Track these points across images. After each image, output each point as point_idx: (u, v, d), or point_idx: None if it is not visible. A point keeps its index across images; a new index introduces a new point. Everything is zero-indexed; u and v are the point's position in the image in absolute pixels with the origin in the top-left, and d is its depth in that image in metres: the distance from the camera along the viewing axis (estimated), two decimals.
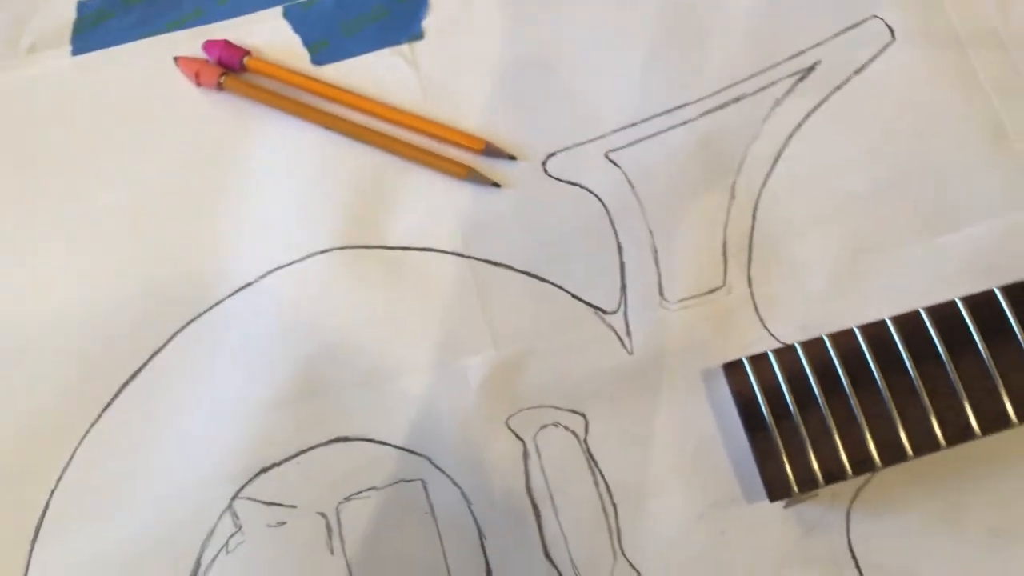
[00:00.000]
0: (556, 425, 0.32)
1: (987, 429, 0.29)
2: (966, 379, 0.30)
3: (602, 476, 0.31)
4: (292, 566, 0.30)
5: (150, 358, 0.32)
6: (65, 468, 0.31)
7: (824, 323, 0.31)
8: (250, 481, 0.31)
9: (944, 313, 0.30)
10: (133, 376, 0.32)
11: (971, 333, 0.30)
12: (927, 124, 0.34)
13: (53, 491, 0.31)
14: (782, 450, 0.29)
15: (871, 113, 0.34)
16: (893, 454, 0.29)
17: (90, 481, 0.31)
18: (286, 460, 0.31)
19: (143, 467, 0.31)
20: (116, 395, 0.32)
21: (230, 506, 0.30)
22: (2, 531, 0.30)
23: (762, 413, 0.30)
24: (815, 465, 0.29)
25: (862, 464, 0.29)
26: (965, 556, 0.30)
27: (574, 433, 0.32)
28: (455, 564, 0.30)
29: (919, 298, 0.30)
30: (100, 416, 0.32)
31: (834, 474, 0.29)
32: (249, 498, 0.30)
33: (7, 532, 0.30)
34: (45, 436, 0.31)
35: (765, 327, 0.32)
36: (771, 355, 0.30)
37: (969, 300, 0.30)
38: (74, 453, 0.31)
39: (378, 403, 0.31)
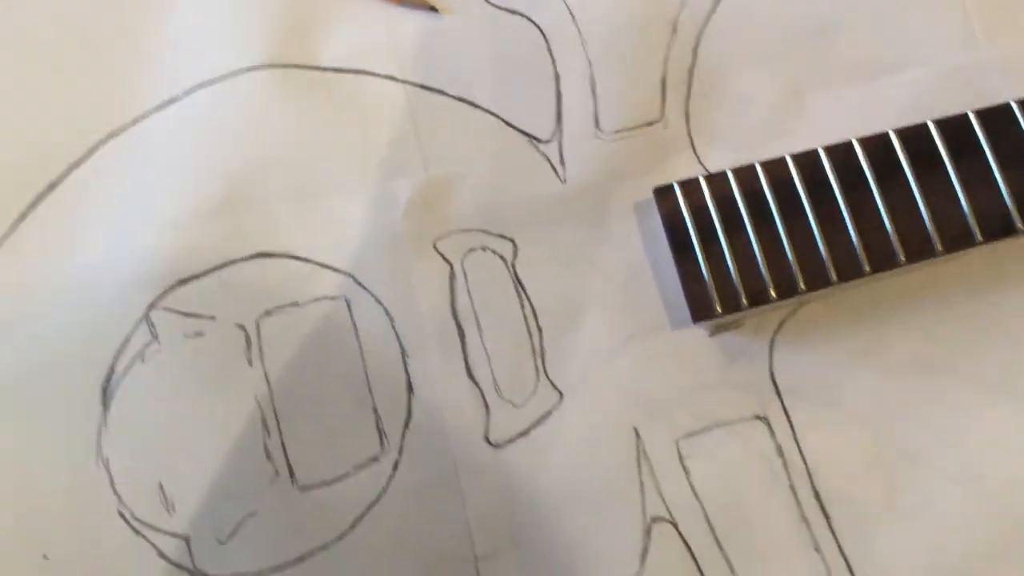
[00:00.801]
0: (484, 249, 0.31)
1: (912, 257, 0.29)
2: (894, 208, 0.29)
3: (528, 300, 0.31)
4: (209, 376, 0.29)
5: (69, 170, 0.31)
6: None
7: (758, 159, 0.31)
8: (168, 292, 0.30)
9: (876, 144, 0.30)
10: (51, 187, 0.31)
11: (901, 164, 0.30)
12: None
13: None
14: (707, 271, 0.29)
15: None
16: (817, 279, 0.29)
17: (3, 286, 0.30)
18: (206, 272, 0.30)
19: (57, 275, 0.30)
20: (32, 205, 0.31)
21: (146, 315, 0.30)
22: None
23: (690, 236, 0.30)
24: (739, 287, 0.29)
25: (786, 288, 0.29)
26: (887, 387, 0.30)
27: (502, 258, 0.31)
28: (376, 381, 0.30)
29: (856, 133, 0.31)
30: (15, 226, 0.31)
31: (758, 297, 0.29)
32: (166, 308, 0.30)
33: None
34: None
35: (700, 162, 0.32)
36: (702, 180, 0.30)
37: (901, 132, 0.30)
38: None
39: (303, 220, 0.30)
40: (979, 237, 0.29)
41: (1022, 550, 0.28)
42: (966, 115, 0.30)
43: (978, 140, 0.30)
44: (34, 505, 0.28)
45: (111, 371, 0.30)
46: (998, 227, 0.29)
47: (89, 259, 0.30)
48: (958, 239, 0.29)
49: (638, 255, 0.31)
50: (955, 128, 0.30)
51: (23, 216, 0.31)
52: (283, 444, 0.29)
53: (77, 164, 0.31)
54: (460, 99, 0.32)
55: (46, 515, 0.28)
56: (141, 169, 0.31)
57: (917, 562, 0.29)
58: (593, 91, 0.32)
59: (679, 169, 0.31)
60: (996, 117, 0.30)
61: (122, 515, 0.29)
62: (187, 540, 0.28)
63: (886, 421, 0.30)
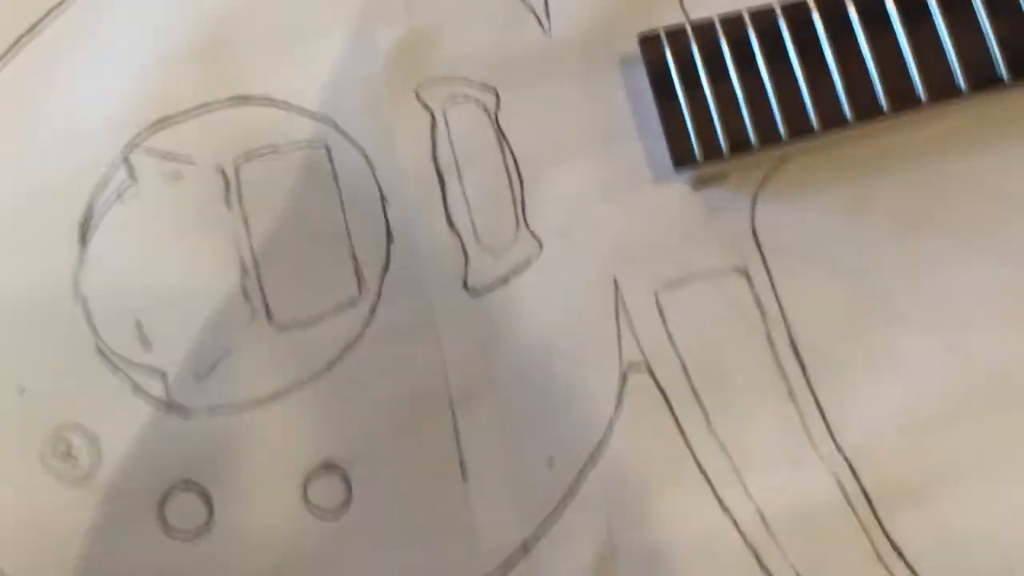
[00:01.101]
0: (466, 99, 0.31)
1: (896, 106, 0.29)
2: (880, 57, 0.29)
3: (510, 149, 0.30)
4: (187, 217, 0.29)
5: (48, 14, 0.31)
6: None
7: (745, 6, 0.30)
8: (146, 134, 0.30)
9: None
10: (31, 31, 0.30)
11: (887, 12, 0.30)
12: None
13: None
14: (690, 118, 0.29)
15: None
16: (800, 127, 0.29)
17: None
18: (184, 115, 0.30)
19: (36, 117, 0.30)
20: (12, 49, 0.31)
21: (124, 156, 0.30)
22: None
23: (673, 84, 0.29)
24: (721, 135, 0.29)
25: (768, 136, 0.29)
26: (868, 243, 0.30)
27: (484, 107, 0.31)
28: (355, 228, 0.29)
29: None
30: None
31: (739, 145, 0.29)
32: (144, 149, 0.30)
33: None
34: None
35: (684, 10, 0.31)
36: (688, 28, 0.30)
37: None
38: None
39: (283, 65, 0.30)
40: (965, 87, 0.29)
41: (995, 406, 0.29)
42: None
43: None
44: (11, 339, 0.29)
45: (89, 210, 0.29)
46: (985, 77, 0.29)
47: (67, 102, 0.30)
48: (944, 88, 0.29)
49: (622, 107, 0.30)
50: None
51: (1, 60, 0.31)
52: (261, 285, 0.29)
53: (56, 9, 0.31)
54: None
55: (23, 349, 0.29)
56: (118, 14, 0.30)
57: (890, 414, 0.29)
58: None
59: (664, 18, 0.30)
60: None
61: (99, 350, 0.29)
62: (164, 375, 0.28)
63: (866, 277, 0.30)
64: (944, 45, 0.29)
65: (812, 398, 0.29)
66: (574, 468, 0.28)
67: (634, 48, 0.30)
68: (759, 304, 0.30)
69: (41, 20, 0.31)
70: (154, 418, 0.28)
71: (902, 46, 0.29)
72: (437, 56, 0.30)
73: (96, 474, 0.28)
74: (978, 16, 0.29)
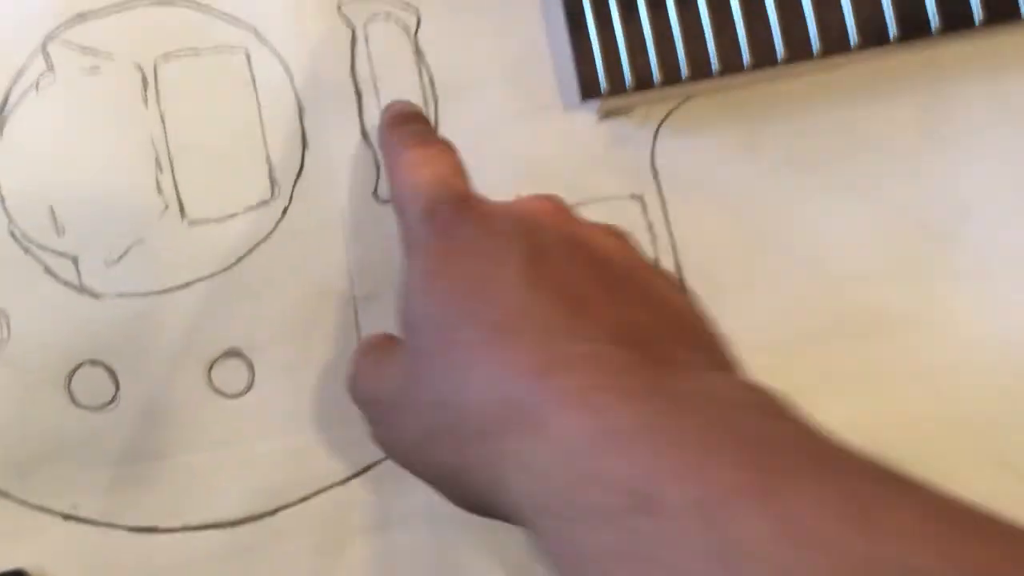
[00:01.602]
0: (388, 16, 0.32)
1: (792, 56, 0.31)
2: (781, 9, 0.31)
3: (427, 70, 0.32)
4: (103, 111, 0.30)
5: None
6: None
7: None
8: (66, 26, 0.30)
9: None
10: None
11: None
12: None
13: None
14: (599, 52, 0.31)
15: None
16: (701, 69, 0.31)
17: None
18: (105, 11, 0.30)
19: None
20: None
21: (42, 47, 0.30)
22: None
23: (586, 18, 0.31)
24: (628, 70, 0.31)
25: (671, 75, 0.31)
26: (756, 180, 0.32)
27: (405, 26, 0.32)
28: (271, 132, 0.30)
29: None
30: None
31: (643, 81, 0.31)
32: (63, 41, 0.30)
33: None
34: None
35: None
36: None
37: None
38: None
39: None
40: (856, 42, 0.31)
41: (848, 333, 0.31)
42: None
43: None
44: None
45: (5, 99, 0.30)
46: (875, 34, 0.31)
47: None
48: (837, 42, 0.31)
49: (538, 37, 0.32)
50: None
51: None
52: (175, 181, 0.30)
53: None
54: None
55: None
56: None
57: (758, 332, 0.31)
58: None
59: None
60: None
61: (12, 233, 0.29)
62: (75, 260, 0.29)
63: (750, 209, 0.32)
64: (842, 2, 0.31)
65: None
66: None
67: None
68: (651, 228, 0.32)
69: None
70: (64, 299, 0.29)
71: (803, 0, 0.31)
72: None
73: (6, 349, 0.29)
74: None
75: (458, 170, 0.27)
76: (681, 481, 0.15)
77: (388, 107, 0.30)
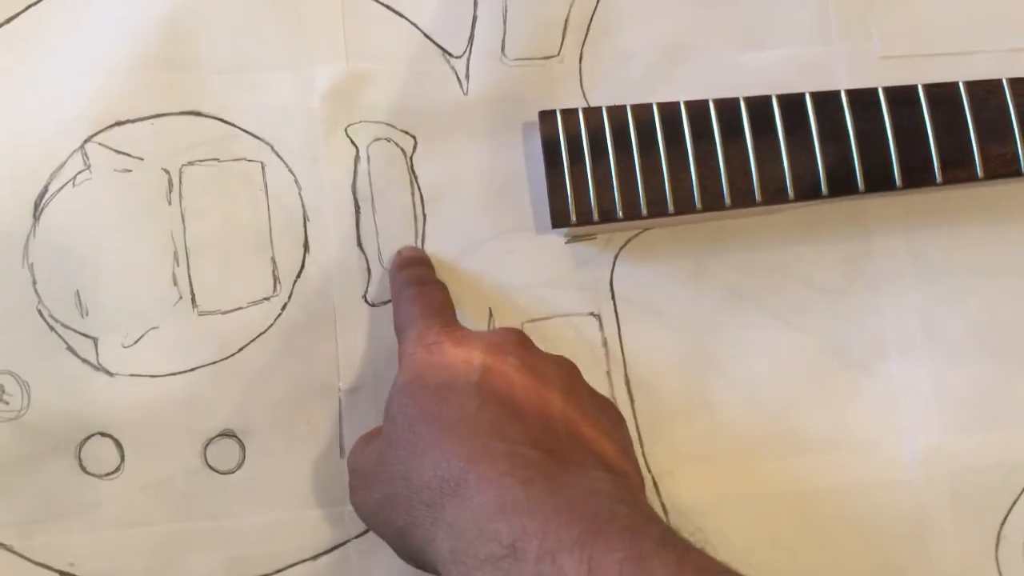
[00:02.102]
0: (388, 140, 0.36)
1: (736, 203, 0.35)
2: (729, 160, 0.35)
3: (419, 189, 0.36)
4: (130, 208, 0.34)
5: (27, 7, 0.35)
6: None
7: (630, 103, 0.36)
8: (104, 130, 0.34)
9: (727, 106, 0.36)
10: (9, 20, 0.34)
11: (744, 127, 0.36)
12: None
13: None
14: (570, 187, 0.35)
15: None
16: (658, 207, 0.35)
17: None
18: (140, 120, 0.34)
19: (5, 100, 0.33)
20: None
21: (82, 146, 0.34)
22: None
23: (562, 156, 0.35)
24: (594, 204, 0.35)
25: (632, 211, 0.35)
26: (702, 306, 0.36)
27: (402, 150, 0.36)
28: (278, 236, 0.34)
29: (717, 95, 0.36)
30: None
31: (607, 215, 0.35)
32: (101, 143, 0.34)
33: None
34: None
35: (584, 97, 0.37)
36: (580, 111, 0.35)
37: (749, 100, 0.36)
38: None
39: (234, 88, 0.35)
40: (792, 195, 0.36)
41: (772, 451, 0.35)
42: (803, 95, 0.36)
43: (808, 116, 0.36)
44: None
45: (45, 189, 0.34)
46: (809, 190, 0.36)
47: (35, 90, 0.34)
48: (776, 194, 0.35)
49: (518, 167, 0.36)
50: (793, 104, 0.36)
51: None
52: (189, 275, 0.34)
53: (35, 6, 0.34)
54: (388, 7, 0.36)
55: None
56: (89, 18, 0.34)
57: (696, 444, 0.35)
58: (504, 19, 0.37)
59: (565, 100, 0.36)
60: (827, 101, 0.36)
61: (40, 312, 0.33)
62: (95, 341, 0.33)
63: (695, 333, 0.36)
64: (782, 159, 0.36)
65: (634, 426, 0.35)
66: None
67: (534, 116, 0.35)
68: (605, 344, 0.36)
69: (17, 14, 0.34)
70: (81, 375, 0.33)
71: (749, 153, 0.36)
72: (367, 99, 0.35)
73: (25, 416, 0.32)
74: (812, 140, 0.36)
75: (447, 305, 0.33)
76: (539, 539, 0.23)
77: (400, 251, 0.35)
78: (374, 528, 0.30)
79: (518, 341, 0.31)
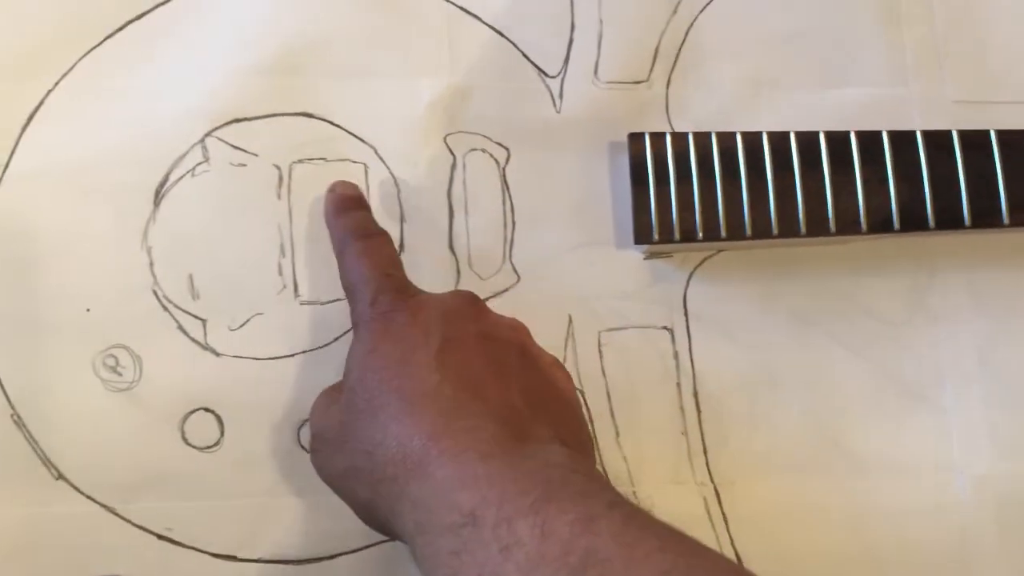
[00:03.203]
0: (483, 151, 0.38)
1: (811, 232, 0.37)
2: (807, 191, 0.37)
3: (510, 199, 0.38)
4: (244, 199, 0.36)
5: (156, 6, 0.37)
6: (64, 75, 0.36)
7: (714, 130, 0.37)
8: (223, 125, 0.36)
9: (807, 139, 0.38)
10: (139, 16, 0.36)
11: (822, 160, 0.38)
12: None
13: (50, 91, 0.35)
14: (654, 206, 0.37)
15: None
16: (737, 231, 0.37)
17: (85, 92, 0.35)
18: (257, 118, 0.36)
19: (134, 91, 0.36)
20: (120, 29, 0.36)
21: (202, 140, 0.36)
22: None
23: (648, 177, 0.37)
24: (676, 224, 0.37)
25: (711, 232, 0.37)
26: (769, 327, 0.38)
27: (496, 160, 0.38)
28: None
29: (795, 129, 0.38)
30: (101, 42, 0.36)
31: (688, 234, 0.37)
32: (220, 138, 0.36)
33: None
34: (49, 48, 0.35)
35: (669, 122, 0.39)
36: (668, 136, 0.37)
37: (829, 134, 0.38)
38: (74, 65, 0.36)
39: (345, 94, 0.37)
40: (864, 228, 0.37)
41: (833, 465, 0.37)
42: (880, 133, 0.38)
43: (884, 154, 0.38)
44: (86, 268, 0.35)
45: (166, 178, 0.36)
46: (881, 224, 0.38)
47: (160, 84, 0.36)
48: (849, 225, 0.37)
49: (603, 184, 0.38)
50: (870, 141, 0.38)
51: (110, 35, 0.36)
52: (293, 266, 0.36)
53: (163, 5, 0.37)
54: (491, 26, 0.38)
55: (93, 277, 0.35)
56: (213, 19, 0.37)
57: (756, 458, 0.37)
58: (599, 44, 0.39)
59: (651, 124, 0.38)
60: (903, 140, 0.38)
61: (155, 292, 0.35)
62: (204, 322, 0.35)
63: (761, 352, 0.38)
64: (857, 192, 0.37)
65: (700, 436, 0.37)
66: None
67: (623, 139, 0.37)
68: (676, 357, 0.38)
69: (147, 12, 0.36)
70: (190, 354, 0.35)
71: (826, 185, 0.37)
72: (466, 112, 0.38)
73: (136, 388, 0.34)
74: (887, 176, 0.37)
75: (396, 261, 0.34)
76: (496, 508, 0.24)
77: (332, 187, 0.35)
78: (337, 493, 0.31)
79: (471, 304, 0.32)
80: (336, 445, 0.30)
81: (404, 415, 0.28)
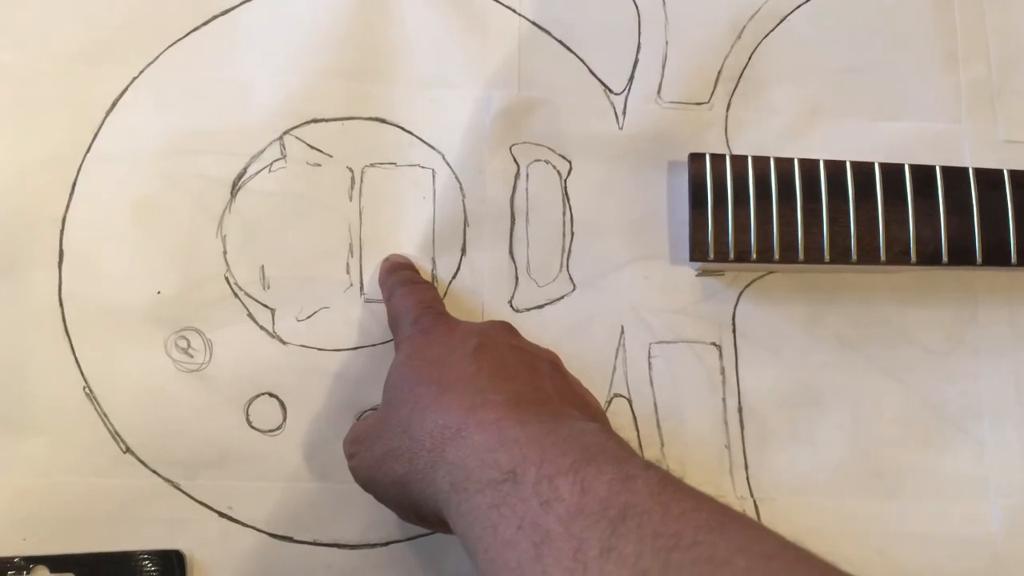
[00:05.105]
0: (547, 162, 0.39)
1: (862, 260, 0.38)
2: (859, 220, 0.38)
3: (570, 209, 0.39)
4: (317, 198, 0.37)
5: (241, 3, 0.38)
6: (145, 68, 0.37)
7: (772, 155, 0.39)
8: (301, 125, 0.38)
9: (862, 169, 0.39)
10: (225, 12, 0.38)
11: (876, 190, 0.39)
12: (900, 28, 0.41)
13: (135, 78, 0.37)
14: (711, 225, 0.38)
15: (864, 5, 0.41)
16: (789, 254, 0.38)
17: (168, 81, 0.37)
18: (334, 120, 0.38)
19: (216, 84, 0.37)
20: (205, 23, 0.38)
21: (280, 138, 0.38)
22: (78, 107, 0.37)
23: (706, 196, 0.38)
24: (731, 243, 0.38)
25: (764, 254, 0.38)
26: (814, 349, 0.39)
27: (558, 172, 0.39)
28: (440, 238, 0.38)
29: (848, 158, 0.39)
30: (187, 35, 0.38)
31: (742, 255, 0.38)
32: (298, 137, 0.38)
33: (84, 106, 0.37)
34: (135, 37, 0.37)
35: (727, 144, 0.40)
36: (727, 157, 0.38)
37: (884, 166, 0.39)
38: (159, 55, 0.37)
39: (418, 102, 0.38)
40: (914, 259, 0.38)
41: (870, 488, 0.38)
42: (934, 168, 0.39)
43: (937, 188, 0.39)
44: (159, 251, 0.36)
45: (244, 171, 0.37)
46: (930, 256, 0.39)
47: (243, 80, 0.38)
48: (899, 255, 0.38)
49: (660, 200, 0.39)
50: (923, 175, 0.39)
51: (197, 28, 0.38)
52: (361, 265, 0.38)
53: (247, 3, 0.38)
54: (560, 42, 0.40)
55: (166, 260, 0.36)
56: (295, 20, 0.38)
57: (796, 476, 0.38)
58: (663, 65, 0.40)
59: (710, 145, 0.40)
60: (955, 176, 0.39)
61: (227, 279, 0.37)
62: (272, 311, 0.37)
63: (805, 373, 0.39)
64: (908, 224, 0.38)
65: (742, 451, 0.38)
66: None
67: (682, 158, 0.39)
68: (723, 372, 0.39)
69: (232, 8, 0.38)
70: (258, 340, 0.36)
71: (879, 215, 0.38)
72: (532, 124, 0.39)
73: (205, 370, 0.36)
74: (939, 210, 0.38)
75: (438, 299, 0.37)
76: (536, 467, 0.25)
77: (388, 258, 0.37)
78: (374, 486, 0.32)
79: (507, 328, 0.34)
80: (373, 437, 0.32)
81: (443, 396, 0.29)
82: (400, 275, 0.37)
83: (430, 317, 0.34)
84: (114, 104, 0.37)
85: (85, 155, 0.37)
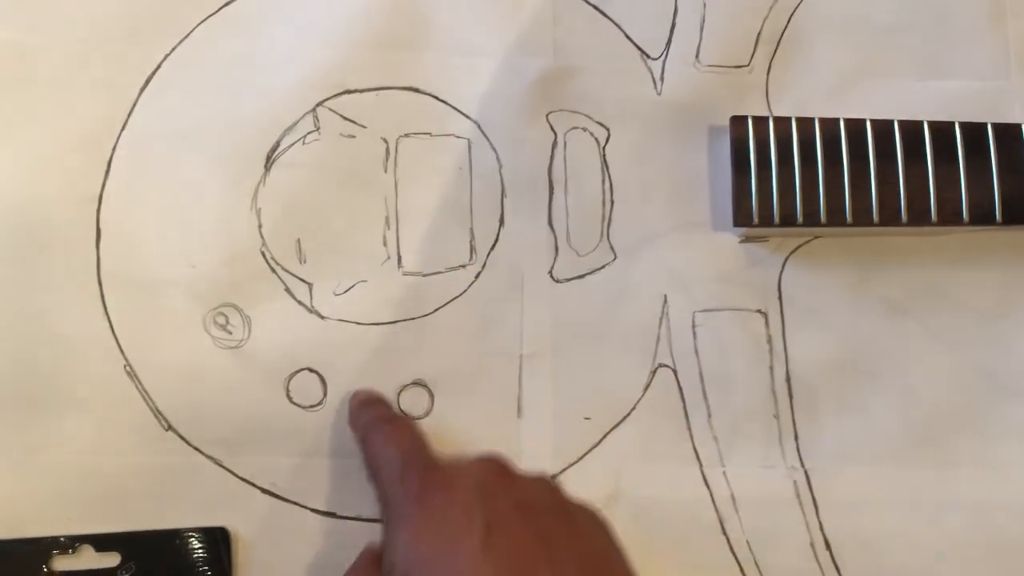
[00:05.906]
0: (584, 129, 0.39)
1: (912, 221, 0.37)
2: (909, 181, 0.37)
3: (609, 177, 0.38)
4: (352, 170, 0.37)
5: None
6: (177, 45, 0.37)
7: (816, 116, 0.38)
8: (334, 96, 0.37)
9: (910, 128, 0.38)
10: None
11: (926, 150, 0.37)
12: None
13: (167, 55, 0.37)
14: (755, 189, 0.37)
15: None
16: (837, 217, 0.37)
17: (201, 57, 0.37)
18: (367, 90, 0.37)
19: (248, 58, 0.37)
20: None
21: (314, 110, 0.37)
22: (112, 85, 0.36)
23: (749, 160, 0.37)
24: (776, 207, 0.37)
25: (810, 218, 0.37)
26: (862, 315, 0.38)
27: (596, 140, 0.39)
28: (477, 209, 0.37)
29: (896, 116, 0.37)
30: (219, 10, 0.37)
31: (787, 219, 0.37)
32: (331, 108, 0.37)
33: (118, 84, 0.36)
34: (167, 13, 0.37)
35: (768, 107, 0.39)
36: (770, 120, 0.37)
37: (932, 124, 0.38)
38: (191, 31, 0.37)
39: (452, 71, 0.38)
40: (967, 219, 0.37)
41: (922, 455, 0.37)
42: (985, 125, 0.38)
43: (988, 146, 0.38)
44: (192, 224, 0.36)
45: (277, 144, 0.37)
46: (983, 216, 0.37)
47: (275, 53, 0.37)
48: (951, 217, 0.37)
49: (701, 166, 0.39)
50: (975, 132, 0.38)
51: (228, 3, 0.37)
52: (398, 238, 0.37)
53: None
54: (595, 7, 0.39)
55: (204, 236, 0.36)
56: None
57: (846, 445, 0.37)
58: (701, 28, 0.39)
59: (751, 108, 0.39)
60: (1007, 133, 0.38)
61: (263, 253, 0.36)
62: (310, 286, 0.36)
63: (854, 339, 0.38)
64: (960, 184, 0.37)
65: (791, 420, 0.37)
66: (603, 428, 0.36)
67: (723, 123, 0.38)
68: (769, 340, 0.38)
69: None
70: (296, 316, 0.36)
71: (929, 175, 0.37)
72: (569, 91, 0.38)
73: (244, 346, 0.36)
74: (991, 168, 0.37)
75: (419, 441, 0.33)
76: None
77: (356, 394, 0.35)
78: None
79: (502, 475, 0.31)
80: None
81: None
82: (375, 410, 0.35)
83: (417, 475, 0.31)
84: (148, 81, 0.37)
85: (120, 133, 0.37)
